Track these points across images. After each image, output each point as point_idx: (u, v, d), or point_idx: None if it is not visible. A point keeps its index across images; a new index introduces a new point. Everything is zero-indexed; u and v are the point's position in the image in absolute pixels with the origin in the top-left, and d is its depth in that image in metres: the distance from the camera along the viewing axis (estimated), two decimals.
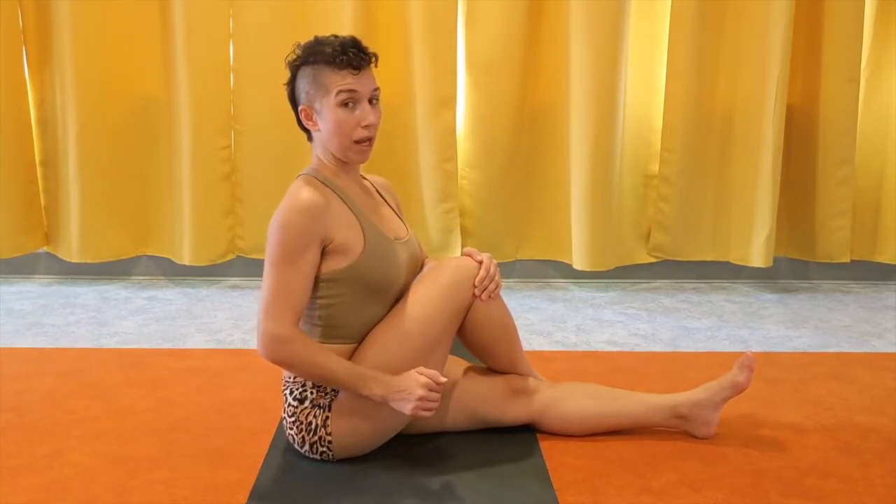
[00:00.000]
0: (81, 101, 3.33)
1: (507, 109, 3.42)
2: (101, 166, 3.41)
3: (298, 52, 1.85)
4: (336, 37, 1.83)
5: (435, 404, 1.74)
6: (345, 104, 1.80)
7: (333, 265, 1.81)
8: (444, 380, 1.74)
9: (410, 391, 1.72)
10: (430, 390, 1.72)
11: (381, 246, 1.85)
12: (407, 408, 1.72)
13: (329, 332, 1.84)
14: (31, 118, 3.45)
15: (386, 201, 2.03)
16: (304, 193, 1.77)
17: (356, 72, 1.80)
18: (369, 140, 1.84)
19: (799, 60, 3.40)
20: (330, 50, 1.79)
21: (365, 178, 2.02)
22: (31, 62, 3.40)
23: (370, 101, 1.84)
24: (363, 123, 1.82)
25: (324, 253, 1.81)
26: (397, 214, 2.03)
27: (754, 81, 3.35)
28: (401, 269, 1.89)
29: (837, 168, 3.43)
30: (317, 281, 1.82)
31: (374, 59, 1.85)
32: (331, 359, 1.76)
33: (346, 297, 1.83)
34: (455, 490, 1.76)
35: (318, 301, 1.83)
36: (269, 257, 1.77)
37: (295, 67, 1.86)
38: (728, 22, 3.38)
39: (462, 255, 1.94)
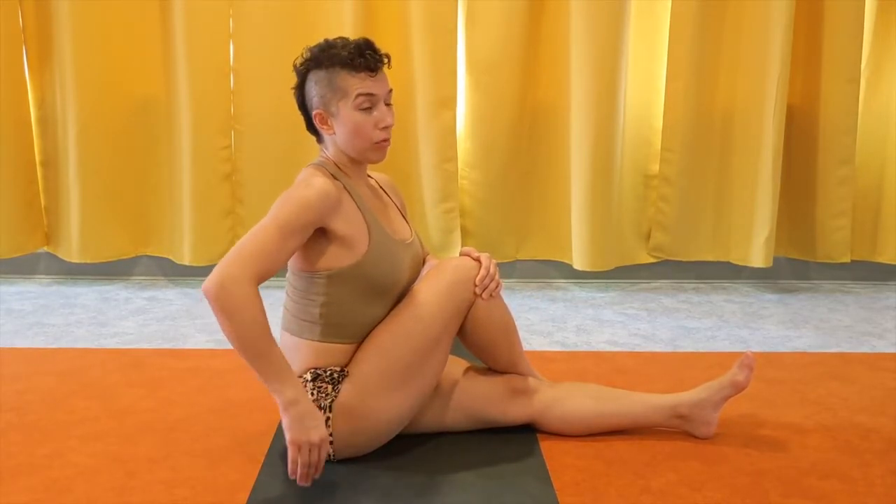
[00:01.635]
0: (81, 100, 3.33)
1: (508, 109, 3.42)
2: (102, 166, 3.41)
3: (308, 55, 1.84)
4: (346, 39, 1.83)
5: (305, 468, 1.67)
6: (363, 107, 1.81)
7: (337, 262, 1.81)
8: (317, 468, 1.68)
9: (308, 434, 1.65)
10: (306, 460, 1.66)
11: (385, 246, 1.85)
12: (290, 435, 1.65)
13: (328, 330, 1.84)
14: (32, 118, 3.45)
15: (392, 201, 2.03)
16: (319, 179, 1.78)
17: (373, 74, 1.81)
18: (387, 140, 1.86)
19: (799, 60, 3.40)
20: (346, 52, 1.79)
21: (370, 177, 2.02)
22: (31, 62, 3.40)
23: (387, 104, 1.85)
24: (381, 125, 1.83)
25: (326, 242, 1.80)
26: (402, 215, 2.03)
27: (754, 81, 3.36)
28: (403, 271, 1.90)
29: (837, 168, 3.43)
30: (319, 278, 1.82)
31: (387, 61, 1.85)
32: (271, 333, 1.67)
33: (347, 296, 1.83)
34: (455, 490, 1.76)
35: (320, 298, 1.83)
36: (269, 218, 1.73)
37: (305, 71, 1.85)
38: (728, 22, 3.38)
39: (460, 254, 1.95)
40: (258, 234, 1.71)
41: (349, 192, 1.85)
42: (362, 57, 1.79)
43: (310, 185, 1.76)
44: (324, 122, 1.85)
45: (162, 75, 3.41)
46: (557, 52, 3.39)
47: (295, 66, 1.87)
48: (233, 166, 3.46)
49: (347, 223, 1.81)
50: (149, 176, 3.51)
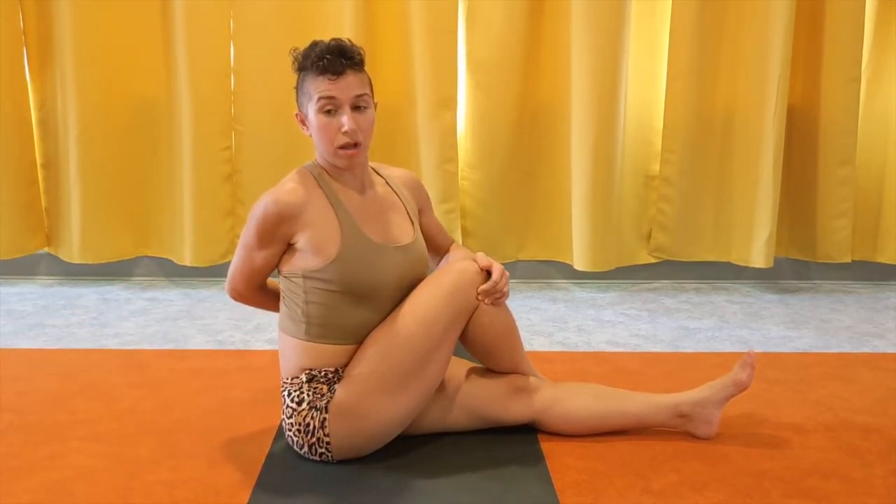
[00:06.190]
0: (82, 102, 3.33)
1: (508, 110, 3.42)
2: (102, 167, 3.41)
3: (294, 57, 1.87)
4: (328, 41, 1.83)
5: None
6: (325, 110, 1.81)
7: (308, 263, 1.83)
8: None
9: None
10: None
11: (360, 250, 1.84)
12: None
13: (314, 330, 1.85)
14: (32, 120, 3.45)
15: (401, 201, 2.00)
16: (285, 190, 1.83)
17: (334, 77, 1.80)
18: (355, 146, 1.83)
19: (800, 60, 3.39)
20: (313, 55, 1.81)
21: (379, 175, 2.01)
22: (31, 64, 3.40)
23: (357, 107, 1.82)
24: (342, 130, 1.81)
25: (294, 250, 1.84)
26: (409, 216, 2.00)
27: (755, 81, 3.35)
28: (387, 275, 1.87)
29: (838, 168, 3.43)
30: (296, 278, 1.84)
31: (357, 64, 1.83)
32: (275, 296, 1.99)
33: (326, 297, 1.83)
34: (456, 491, 1.76)
35: (301, 297, 1.84)
36: (243, 236, 1.90)
37: (296, 72, 1.88)
38: (729, 22, 3.37)
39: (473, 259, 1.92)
40: (239, 253, 1.93)
41: (326, 194, 1.86)
42: (321, 60, 1.79)
43: (273, 202, 1.82)
44: (302, 123, 1.89)
45: (163, 76, 3.41)
46: (558, 53, 3.39)
47: (292, 68, 1.89)
48: (233, 167, 3.46)
49: (314, 229, 1.82)
50: (149, 177, 3.51)
